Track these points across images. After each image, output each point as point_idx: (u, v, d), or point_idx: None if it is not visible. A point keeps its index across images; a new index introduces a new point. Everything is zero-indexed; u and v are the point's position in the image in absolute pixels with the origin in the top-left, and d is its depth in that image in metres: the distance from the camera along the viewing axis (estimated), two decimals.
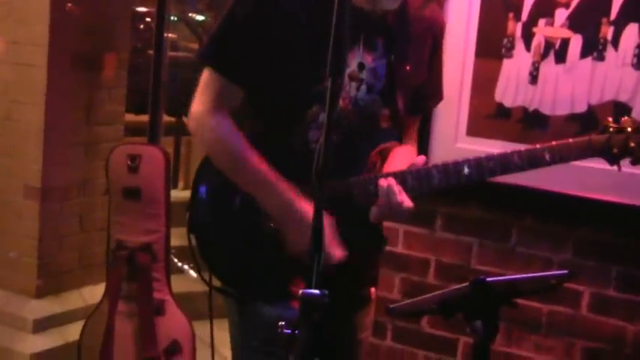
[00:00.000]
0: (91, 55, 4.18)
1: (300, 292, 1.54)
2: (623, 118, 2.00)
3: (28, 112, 4.02)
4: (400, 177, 1.96)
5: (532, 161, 1.97)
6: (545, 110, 2.86)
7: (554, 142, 1.99)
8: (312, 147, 1.94)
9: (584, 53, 2.78)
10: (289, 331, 1.65)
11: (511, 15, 2.89)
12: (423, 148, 3.03)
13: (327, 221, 1.83)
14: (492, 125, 2.93)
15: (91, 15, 4.12)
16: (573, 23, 2.79)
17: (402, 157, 2.09)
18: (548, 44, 2.84)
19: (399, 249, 3.14)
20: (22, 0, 4.04)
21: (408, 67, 2.07)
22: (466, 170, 1.97)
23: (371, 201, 1.95)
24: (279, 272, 1.97)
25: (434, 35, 2.15)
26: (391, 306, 1.96)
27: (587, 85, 2.78)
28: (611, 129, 1.98)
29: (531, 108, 2.88)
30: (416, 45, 2.09)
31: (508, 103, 2.91)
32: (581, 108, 2.79)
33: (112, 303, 3.59)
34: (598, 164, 2.72)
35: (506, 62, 2.91)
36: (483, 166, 1.98)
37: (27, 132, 4.05)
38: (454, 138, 2.99)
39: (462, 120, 2.97)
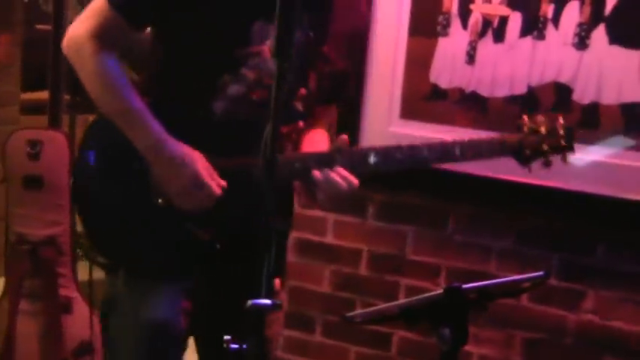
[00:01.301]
0: None
1: (250, 302, 1.42)
2: (538, 117, 1.98)
3: None
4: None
5: (443, 156, 1.96)
6: (483, 92, 2.72)
7: (467, 139, 1.97)
8: (215, 119, 1.86)
9: (524, 32, 2.65)
10: (236, 346, 1.53)
11: None
12: (354, 132, 2.86)
13: (200, 161, 1.81)
14: (427, 107, 2.78)
15: None
16: (512, 0, 2.65)
17: (317, 142, 2.00)
18: (486, 22, 2.69)
19: (329, 239, 2.97)
20: None
21: (325, 49, 1.99)
22: (372, 159, 1.89)
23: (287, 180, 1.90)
24: (160, 251, 1.91)
25: (349, 21, 2.08)
26: (348, 314, 1.81)
27: (527, 65, 2.65)
28: (525, 129, 1.96)
29: (468, 89, 2.73)
30: (337, 28, 2.02)
31: (444, 84, 2.76)
32: (520, 89, 2.67)
33: (13, 301, 3.31)
34: None
35: (441, 41, 2.76)
36: (391, 156, 1.90)
37: None
38: (387, 121, 2.82)
39: (395, 102, 2.81)
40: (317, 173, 1.82)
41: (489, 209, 2.76)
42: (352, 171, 1.85)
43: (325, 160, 1.84)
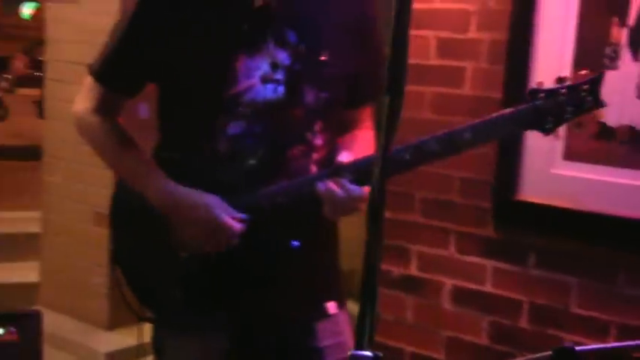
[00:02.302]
0: None
1: (350, 353, 1.28)
2: (560, 76, 1.69)
3: None
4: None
5: (454, 144, 1.71)
6: None
7: (475, 121, 1.71)
8: (223, 158, 1.81)
9: None
10: None
11: (615, 19, 2.50)
12: (513, 175, 2.68)
13: (215, 202, 1.78)
14: (593, 148, 2.54)
15: None
16: None
17: (359, 142, 1.91)
18: None
19: (487, 288, 2.78)
20: (92, 22, 3.91)
21: (323, 58, 1.84)
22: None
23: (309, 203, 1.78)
24: (191, 302, 1.89)
25: (358, 13, 1.89)
26: None
27: None
28: (540, 94, 1.67)
29: None
30: (334, 30, 1.85)
31: (612, 122, 2.52)
32: None
33: None
34: None
35: (609, 74, 2.52)
36: (399, 159, 1.71)
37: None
38: (549, 163, 2.61)
39: (557, 142, 2.59)
40: (320, 186, 1.75)
41: None
42: (361, 182, 1.74)
43: (331, 175, 1.76)
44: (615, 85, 2.51)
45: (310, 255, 1.90)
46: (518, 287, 2.72)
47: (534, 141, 2.62)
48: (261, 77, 1.79)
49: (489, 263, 2.78)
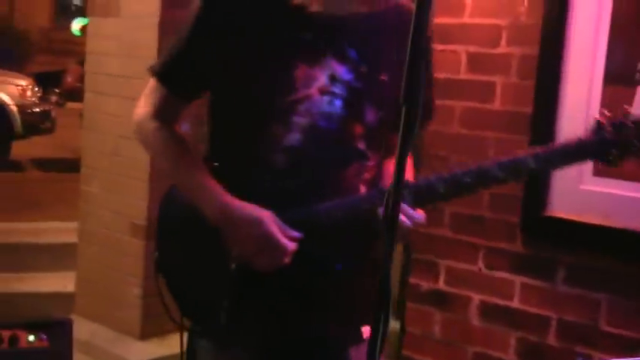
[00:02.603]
0: None
1: None
2: (625, 108, 1.73)
3: (134, 147, 3.92)
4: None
5: (517, 171, 1.74)
6: None
7: (539, 149, 1.72)
8: (278, 170, 1.79)
9: None
10: None
11: None
12: (542, 191, 2.66)
13: (269, 219, 1.75)
14: (624, 164, 2.51)
15: None
16: None
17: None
18: None
19: (515, 304, 2.76)
20: (132, 36, 3.98)
21: (383, 78, 1.84)
22: (441, 189, 1.75)
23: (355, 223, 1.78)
24: (235, 314, 1.85)
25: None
26: None
27: None
28: (607, 127, 1.70)
29: None
30: (394, 51, 1.83)
31: None
32: None
33: None
34: None
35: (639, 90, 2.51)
36: (461, 182, 1.73)
37: (134, 168, 3.96)
38: (578, 179, 2.59)
39: None
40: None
41: None
42: (420, 204, 1.74)
43: None
44: None
45: (355, 277, 1.88)
46: (546, 303, 2.70)
47: None
48: (319, 88, 1.79)
49: (518, 279, 2.76)
